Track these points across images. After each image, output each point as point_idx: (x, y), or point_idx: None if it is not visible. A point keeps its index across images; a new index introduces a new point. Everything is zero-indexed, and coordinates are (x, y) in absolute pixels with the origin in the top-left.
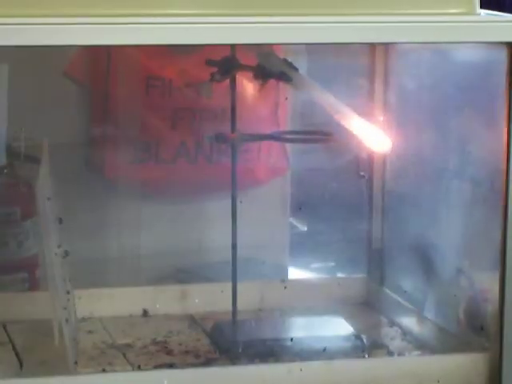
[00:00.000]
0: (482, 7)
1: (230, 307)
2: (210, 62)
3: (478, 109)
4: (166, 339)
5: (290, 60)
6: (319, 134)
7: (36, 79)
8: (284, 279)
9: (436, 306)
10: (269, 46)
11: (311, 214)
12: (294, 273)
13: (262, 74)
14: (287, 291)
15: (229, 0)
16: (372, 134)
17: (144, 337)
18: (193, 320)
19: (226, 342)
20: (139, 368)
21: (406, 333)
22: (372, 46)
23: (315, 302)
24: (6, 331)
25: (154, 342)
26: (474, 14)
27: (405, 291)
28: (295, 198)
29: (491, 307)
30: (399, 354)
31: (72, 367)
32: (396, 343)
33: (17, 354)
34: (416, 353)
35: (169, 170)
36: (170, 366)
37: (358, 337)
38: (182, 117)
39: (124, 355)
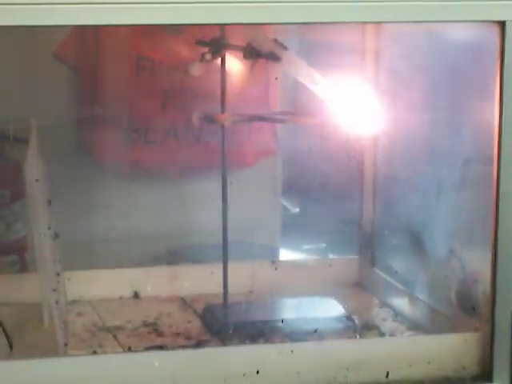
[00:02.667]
0: None
1: (220, 289)
2: (199, 43)
3: (470, 89)
4: (157, 321)
5: (280, 40)
6: (309, 114)
7: (25, 61)
8: (275, 260)
9: (427, 287)
10: (259, 26)
11: (302, 196)
12: (285, 254)
13: (252, 53)
14: (278, 272)
15: None
16: (363, 115)
17: (134, 319)
18: (183, 302)
19: (217, 323)
20: (130, 350)
21: (397, 314)
22: (363, 26)
23: (306, 283)
24: None
25: (145, 324)
26: None
27: (396, 272)
28: (286, 179)
29: (482, 288)
30: (390, 335)
31: (62, 349)
32: (387, 324)
33: (7, 337)
34: (407, 333)
35: (158, 152)
36: (161, 347)
37: (349, 318)
38: (171, 98)
39: (114, 337)
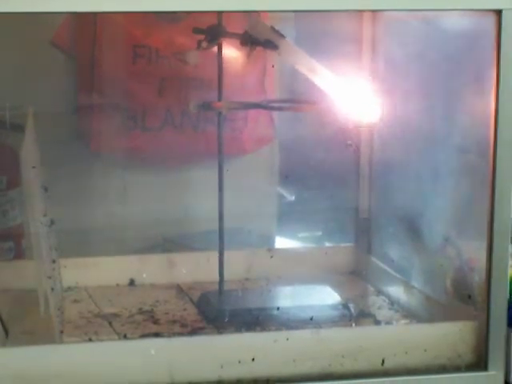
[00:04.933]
0: None
1: (216, 276)
2: (196, 30)
3: (467, 77)
4: (153, 308)
5: (277, 27)
6: (306, 102)
7: (22, 48)
8: (271, 248)
9: (423, 275)
10: (256, 14)
11: (299, 184)
12: (281, 242)
13: (249, 41)
14: (274, 260)
15: None
16: (359, 103)
17: (130, 306)
18: (179, 289)
19: (213, 311)
20: (125, 337)
21: (393, 302)
22: (360, 14)
23: (302, 271)
24: None
25: (141, 312)
26: None
27: (392, 260)
28: (283, 167)
29: (478, 276)
30: (386, 323)
31: (58, 336)
32: (383, 312)
33: (2, 324)
34: (403, 322)
35: (155, 139)
36: (157, 335)
37: (345, 306)
38: (168, 85)
39: (110, 324)
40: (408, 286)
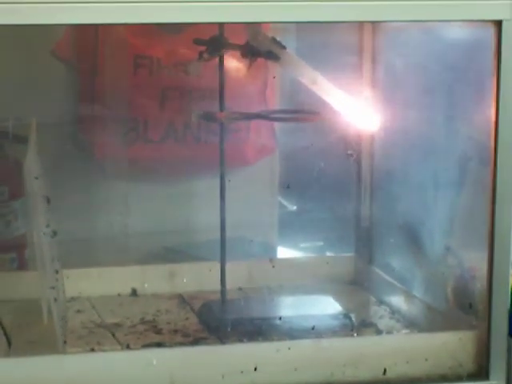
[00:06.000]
0: None
1: (218, 286)
2: (198, 41)
3: (467, 87)
4: (155, 318)
5: (278, 38)
6: (307, 112)
7: (24, 58)
8: (272, 258)
9: (424, 285)
10: (257, 25)
11: (300, 193)
12: (283, 252)
13: (250, 52)
14: (276, 270)
15: None
16: (360, 113)
17: (132, 316)
18: (181, 299)
19: (215, 320)
20: (128, 347)
21: (394, 311)
22: (360, 25)
23: (304, 280)
24: None
25: (143, 322)
26: None
27: (393, 270)
28: (284, 177)
29: (479, 285)
30: (388, 333)
31: (61, 347)
32: (384, 322)
33: (5, 334)
34: (404, 331)
35: (157, 150)
36: (159, 345)
37: (346, 315)
38: (170, 96)
39: (113, 334)
40: (409, 295)
